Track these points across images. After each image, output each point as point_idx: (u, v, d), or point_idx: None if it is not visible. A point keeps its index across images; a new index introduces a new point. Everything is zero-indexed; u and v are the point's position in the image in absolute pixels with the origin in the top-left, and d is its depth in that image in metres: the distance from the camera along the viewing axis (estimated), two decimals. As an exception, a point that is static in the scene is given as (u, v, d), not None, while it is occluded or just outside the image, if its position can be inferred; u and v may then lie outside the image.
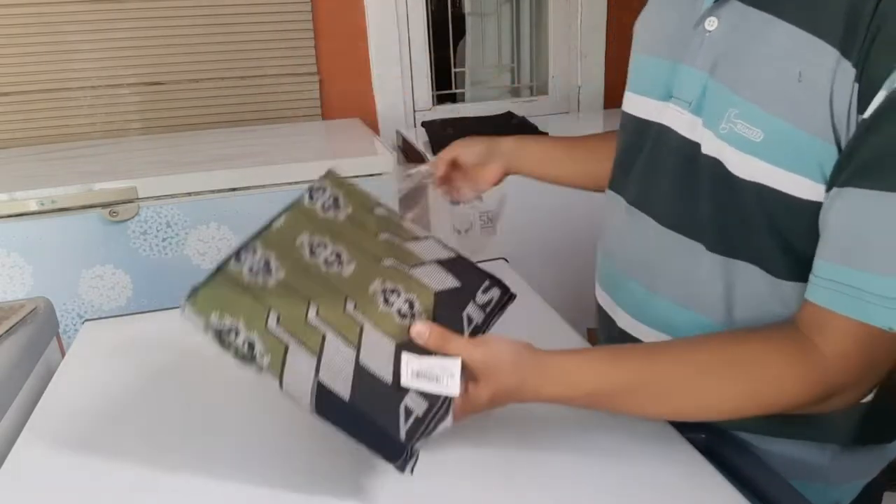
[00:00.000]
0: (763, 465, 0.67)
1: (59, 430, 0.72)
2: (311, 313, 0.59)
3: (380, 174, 1.56)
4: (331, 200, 0.72)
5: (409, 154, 1.92)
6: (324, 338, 0.58)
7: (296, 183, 1.52)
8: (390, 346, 0.59)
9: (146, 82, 1.96)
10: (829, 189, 0.57)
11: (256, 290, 0.60)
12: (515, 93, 2.44)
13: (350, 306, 0.61)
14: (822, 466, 0.70)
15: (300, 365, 0.56)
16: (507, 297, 0.71)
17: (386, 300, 0.63)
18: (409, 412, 0.56)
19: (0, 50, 1.83)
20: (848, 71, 0.53)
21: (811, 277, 0.57)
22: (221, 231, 1.51)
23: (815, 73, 0.55)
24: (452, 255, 0.71)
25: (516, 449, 0.66)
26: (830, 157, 0.56)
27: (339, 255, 0.66)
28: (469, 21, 2.39)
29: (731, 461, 0.67)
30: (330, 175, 0.76)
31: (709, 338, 0.63)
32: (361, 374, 0.57)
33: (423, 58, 2.15)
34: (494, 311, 0.69)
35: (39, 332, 0.95)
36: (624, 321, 0.77)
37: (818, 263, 0.57)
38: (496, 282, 0.71)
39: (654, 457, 0.64)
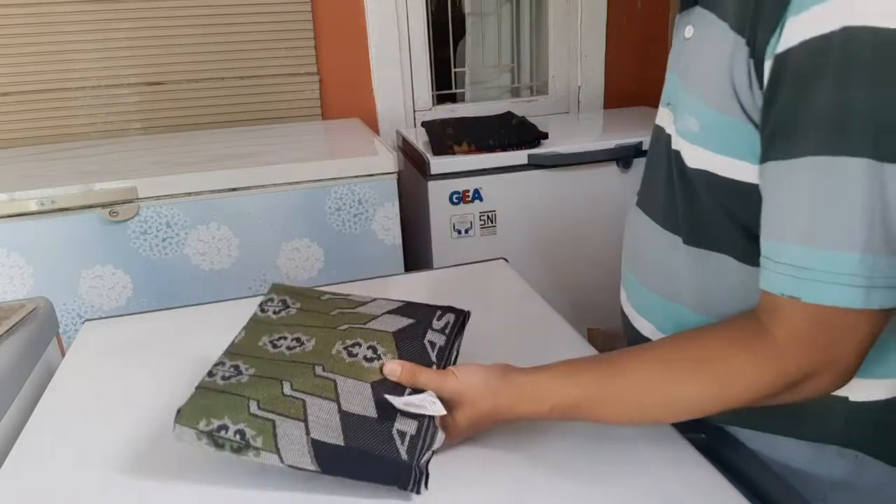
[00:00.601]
0: (763, 465, 0.67)
1: (59, 430, 0.72)
2: (287, 388, 0.63)
3: (380, 174, 1.57)
4: (279, 304, 0.78)
5: (409, 154, 1.92)
6: (304, 403, 0.62)
7: (296, 183, 1.52)
8: (366, 389, 0.64)
9: (146, 82, 1.96)
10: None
11: (232, 389, 0.64)
12: (515, 93, 2.44)
13: (319, 370, 0.65)
14: (825, 481, 0.67)
15: (291, 433, 0.60)
16: (463, 316, 0.76)
17: (350, 353, 0.67)
18: (402, 434, 0.61)
19: (0, 50, 1.83)
20: (742, 48, 0.55)
21: (761, 260, 0.56)
22: (221, 231, 1.51)
23: (724, 58, 0.57)
24: (401, 303, 0.76)
25: (514, 447, 0.66)
26: (753, 136, 0.57)
27: (298, 339, 0.71)
28: (469, 21, 2.39)
29: (731, 461, 0.67)
30: (273, 287, 0.82)
31: (670, 338, 0.63)
32: (348, 419, 0.61)
33: (423, 58, 2.15)
34: (454, 332, 0.74)
35: (39, 332, 0.95)
36: (632, 317, 0.79)
37: (762, 244, 0.56)
38: (448, 308, 0.76)
39: (653, 457, 0.64)
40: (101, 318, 0.98)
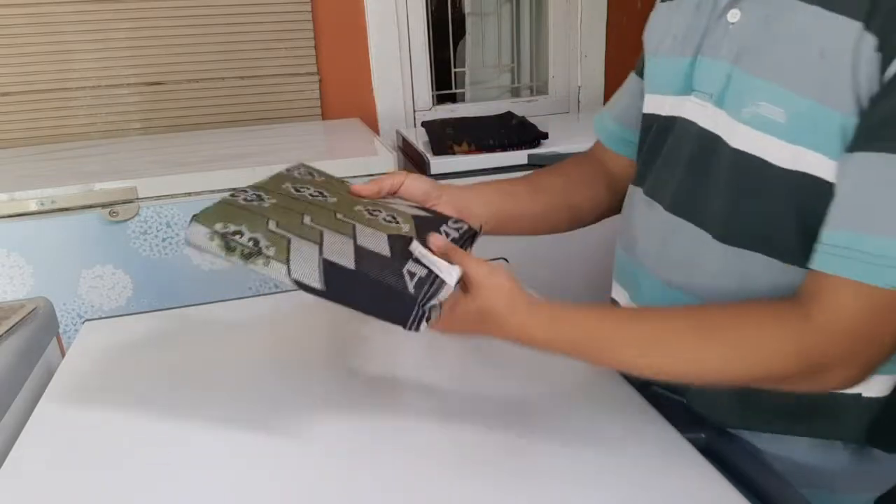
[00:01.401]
0: (763, 465, 0.67)
1: (59, 431, 0.72)
2: (307, 220, 0.65)
3: (380, 174, 1.56)
4: (306, 173, 0.80)
5: (409, 154, 1.92)
6: (321, 232, 0.63)
7: (296, 183, 1.52)
8: (383, 237, 0.65)
9: (146, 82, 1.96)
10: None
11: (253, 208, 0.66)
12: (515, 93, 2.44)
13: (340, 216, 0.68)
14: (829, 472, 0.68)
15: (304, 250, 0.60)
16: (474, 230, 0.75)
17: (371, 214, 0.70)
18: (412, 274, 0.60)
19: (0, 50, 1.83)
20: (870, 42, 0.53)
21: (817, 247, 0.56)
22: (221, 231, 1.50)
23: (837, 48, 0.54)
24: (418, 208, 0.77)
25: (512, 444, 0.66)
26: (849, 129, 0.55)
27: (322, 193, 0.73)
28: (469, 21, 2.39)
29: (731, 461, 0.67)
30: (302, 164, 0.84)
31: (702, 304, 0.64)
32: (361, 252, 0.62)
33: (423, 58, 2.15)
34: (466, 238, 0.73)
35: (39, 332, 0.95)
36: (618, 294, 0.79)
37: (825, 233, 0.55)
38: (460, 219, 0.76)
39: (653, 456, 0.64)
40: (101, 318, 0.98)
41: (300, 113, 2.09)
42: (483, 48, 2.44)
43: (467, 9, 2.37)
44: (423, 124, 1.94)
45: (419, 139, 1.88)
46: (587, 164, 0.91)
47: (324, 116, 2.11)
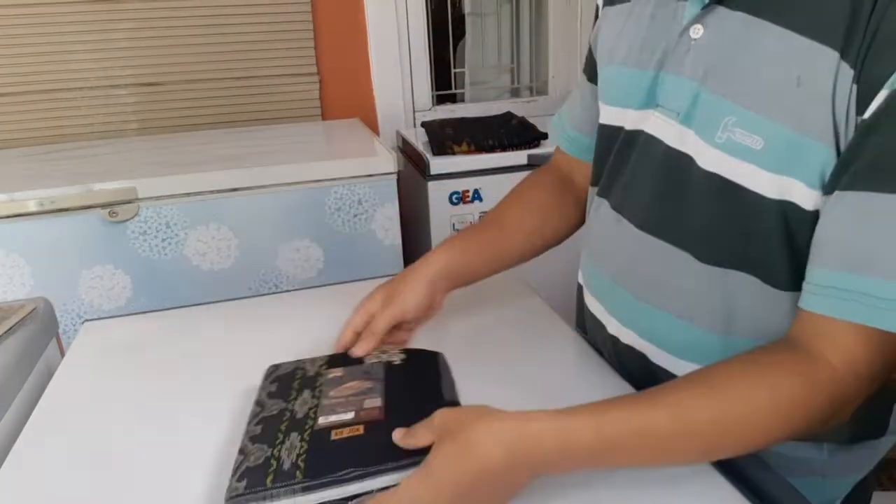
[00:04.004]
0: (763, 465, 0.67)
1: (59, 430, 0.72)
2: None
3: (379, 174, 1.57)
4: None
5: (409, 154, 1.92)
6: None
7: (296, 183, 1.52)
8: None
9: (145, 83, 1.96)
10: (827, 194, 0.55)
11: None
12: (515, 93, 2.44)
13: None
14: (818, 461, 0.70)
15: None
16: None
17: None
18: None
19: (0, 50, 1.83)
20: (847, 73, 0.52)
21: (807, 286, 0.56)
22: (221, 231, 1.51)
23: (815, 76, 0.54)
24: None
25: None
26: (831, 160, 0.55)
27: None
28: (469, 21, 2.39)
29: (731, 461, 0.67)
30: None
31: (707, 367, 0.58)
32: None
33: (423, 58, 2.15)
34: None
35: (39, 332, 0.95)
36: (614, 328, 0.76)
37: (816, 272, 0.55)
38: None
39: (654, 457, 0.64)
40: (100, 318, 0.98)
41: (300, 113, 2.09)
42: (483, 48, 2.44)
43: (467, 9, 2.37)
44: (423, 124, 1.94)
45: (419, 139, 1.88)
46: (551, 186, 0.89)
47: (324, 116, 2.11)
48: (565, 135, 0.91)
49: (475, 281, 0.84)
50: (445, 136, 1.77)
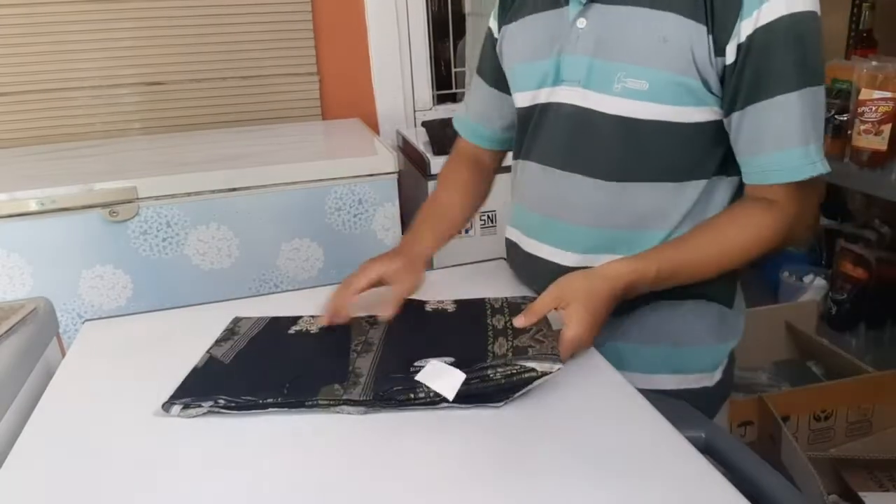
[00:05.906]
0: (763, 465, 0.67)
1: (59, 430, 0.72)
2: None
3: (380, 174, 1.57)
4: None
5: (409, 154, 1.92)
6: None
7: (296, 183, 1.52)
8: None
9: (146, 82, 1.97)
10: (728, 115, 0.81)
11: None
12: (515, 93, 2.43)
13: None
14: (711, 326, 0.92)
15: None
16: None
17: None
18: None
19: (0, 50, 1.83)
20: (701, 30, 0.77)
21: (743, 170, 0.83)
22: (221, 231, 1.51)
23: (677, 35, 0.78)
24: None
25: (512, 444, 0.66)
26: (698, 88, 0.80)
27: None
28: (469, 21, 2.39)
29: (731, 461, 0.67)
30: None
31: (706, 228, 0.85)
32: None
33: (423, 58, 2.15)
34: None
35: (39, 332, 0.95)
36: (528, 245, 0.97)
37: (744, 161, 0.82)
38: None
39: (653, 456, 0.64)
40: (101, 318, 0.98)
41: (300, 113, 2.09)
42: (483, 48, 2.44)
43: (467, 9, 2.37)
44: (424, 124, 1.94)
45: (419, 139, 1.88)
46: (467, 167, 1.12)
47: (324, 116, 2.12)
48: (471, 130, 1.12)
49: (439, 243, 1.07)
50: (446, 136, 1.77)
